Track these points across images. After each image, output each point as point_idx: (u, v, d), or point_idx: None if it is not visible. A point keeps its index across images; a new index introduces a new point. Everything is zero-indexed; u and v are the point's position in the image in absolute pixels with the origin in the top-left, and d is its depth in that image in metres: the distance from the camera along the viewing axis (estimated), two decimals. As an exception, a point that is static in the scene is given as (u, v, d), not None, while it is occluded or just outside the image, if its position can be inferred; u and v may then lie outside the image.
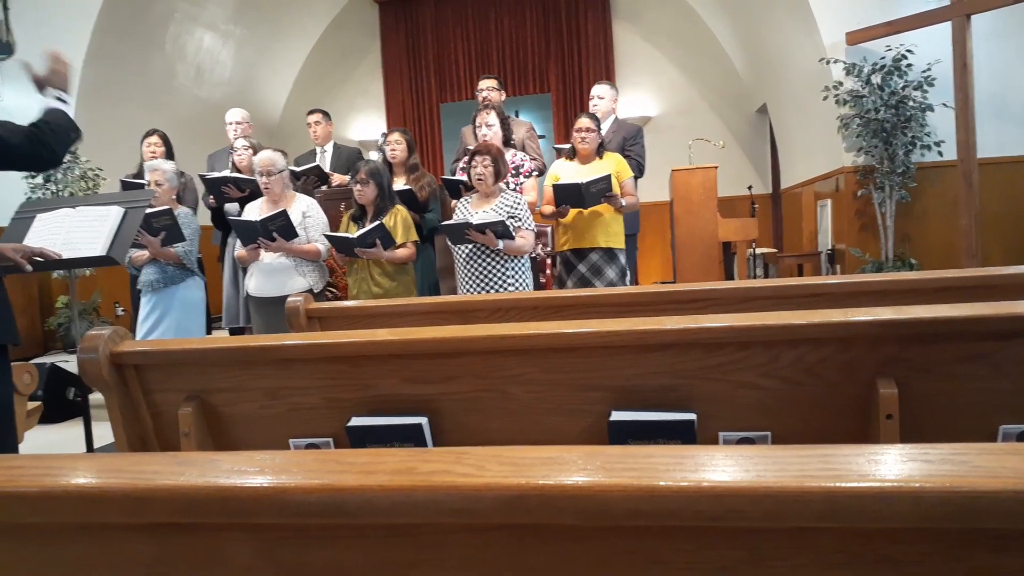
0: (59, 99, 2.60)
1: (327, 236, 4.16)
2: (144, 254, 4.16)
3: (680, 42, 9.91)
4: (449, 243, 4.14)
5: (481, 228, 3.86)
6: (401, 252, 4.16)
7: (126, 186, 5.01)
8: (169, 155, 5.08)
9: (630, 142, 5.14)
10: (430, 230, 4.69)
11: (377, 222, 4.05)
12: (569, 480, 0.78)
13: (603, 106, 5.17)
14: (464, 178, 4.59)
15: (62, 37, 6.76)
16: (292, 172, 4.96)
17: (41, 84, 2.62)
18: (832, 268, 7.08)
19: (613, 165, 4.45)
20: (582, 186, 4.20)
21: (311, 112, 5.79)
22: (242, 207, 4.56)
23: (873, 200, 6.50)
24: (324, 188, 5.24)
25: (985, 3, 5.77)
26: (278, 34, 9.95)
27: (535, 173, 4.93)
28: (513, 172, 4.65)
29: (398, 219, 4.16)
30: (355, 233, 4.04)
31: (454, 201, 4.60)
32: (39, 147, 2.44)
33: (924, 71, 6.19)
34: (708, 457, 0.80)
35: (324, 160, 5.61)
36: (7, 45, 2.55)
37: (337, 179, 5.39)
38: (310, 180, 5.12)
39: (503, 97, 5.54)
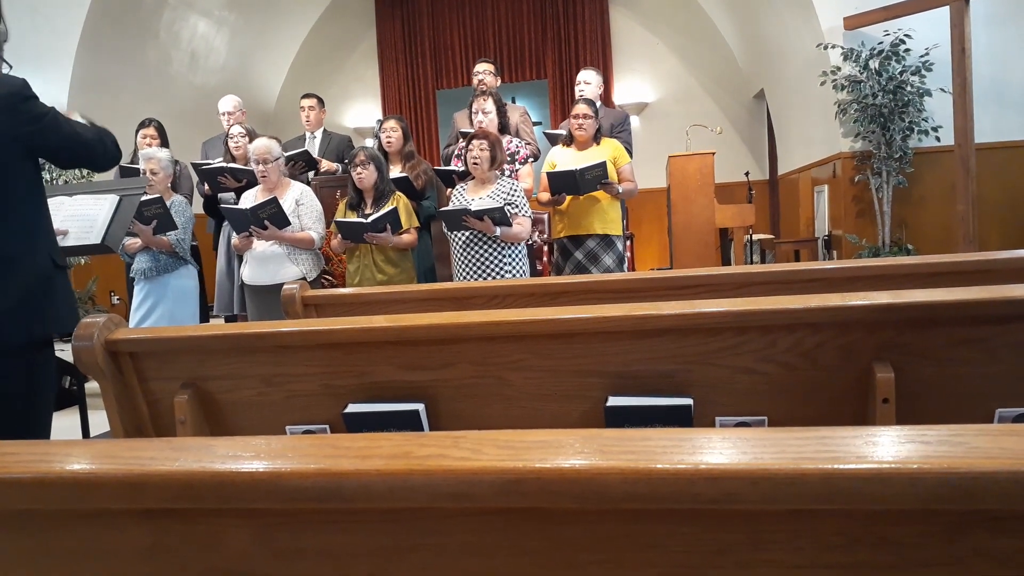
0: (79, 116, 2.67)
1: (337, 222, 4.15)
2: (137, 242, 4.15)
3: (677, 28, 9.87)
4: (445, 230, 4.13)
5: (479, 214, 3.86)
6: (406, 237, 4.16)
7: (124, 172, 4.99)
8: (164, 145, 5.05)
9: (617, 128, 5.12)
10: (426, 217, 4.68)
11: (390, 207, 4.06)
12: (566, 463, 0.78)
13: (590, 92, 5.15)
14: (457, 167, 4.58)
15: (55, 24, 6.73)
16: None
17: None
18: (829, 254, 7.08)
19: (610, 151, 4.44)
20: (576, 173, 4.19)
21: (305, 96, 5.75)
22: (238, 196, 4.55)
23: (870, 186, 6.49)
24: (312, 174, 5.22)
25: (983, -13, 5.76)
26: (273, 20, 9.90)
27: (531, 159, 4.92)
28: (509, 159, 4.64)
29: (400, 205, 4.16)
30: (370, 217, 4.04)
31: (449, 189, 4.59)
32: (108, 145, 2.52)
33: (922, 56, 6.17)
34: (705, 440, 0.80)
35: (313, 146, 5.58)
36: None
37: (325, 165, 5.37)
38: (298, 165, 5.10)
39: (499, 82, 5.52)
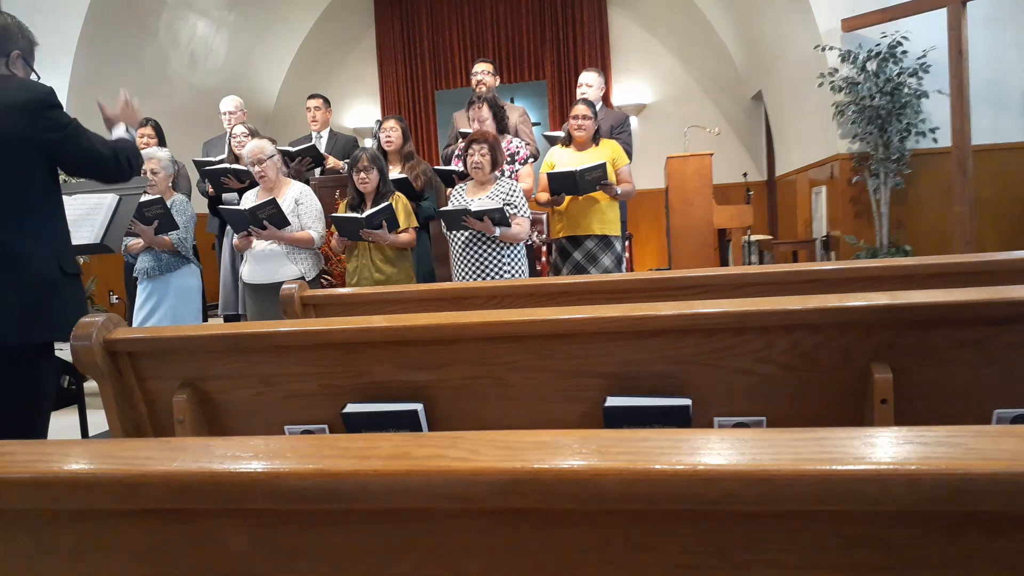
0: (128, 131, 2.77)
1: (333, 218, 4.15)
2: (139, 242, 4.16)
3: (676, 29, 9.88)
4: (444, 230, 4.13)
5: (479, 215, 3.86)
6: (403, 236, 4.16)
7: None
8: (162, 145, 5.05)
9: (617, 130, 5.12)
10: (425, 218, 4.68)
11: (386, 203, 4.05)
12: (564, 464, 0.78)
13: (591, 94, 5.15)
14: (457, 167, 4.58)
15: (54, 24, 6.71)
16: (288, 153, 4.95)
17: (111, 121, 2.79)
18: (827, 255, 7.09)
19: (609, 152, 4.44)
20: (576, 174, 4.19)
21: (311, 97, 5.75)
22: (241, 196, 4.55)
23: (868, 187, 6.50)
24: (318, 171, 5.21)
25: (981, -11, 5.76)
26: (272, 20, 9.89)
27: (530, 160, 4.92)
28: (509, 159, 4.64)
29: (399, 204, 4.15)
30: (364, 213, 4.03)
31: (449, 188, 4.59)
32: (122, 162, 2.57)
33: (919, 58, 6.18)
34: (703, 440, 0.80)
35: (320, 146, 5.58)
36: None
37: (332, 162, 5.37)
38: (304, 162, 5.10)
39: (497, 82, 5.53)
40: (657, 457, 0.77)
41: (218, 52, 9.23)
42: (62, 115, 2.38)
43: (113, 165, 2.53)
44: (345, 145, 5.66)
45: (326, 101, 5.76)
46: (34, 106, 2.30)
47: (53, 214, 2.42)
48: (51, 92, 2.36)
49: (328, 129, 5.77)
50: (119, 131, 2.73)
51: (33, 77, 2.52)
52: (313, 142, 5.59)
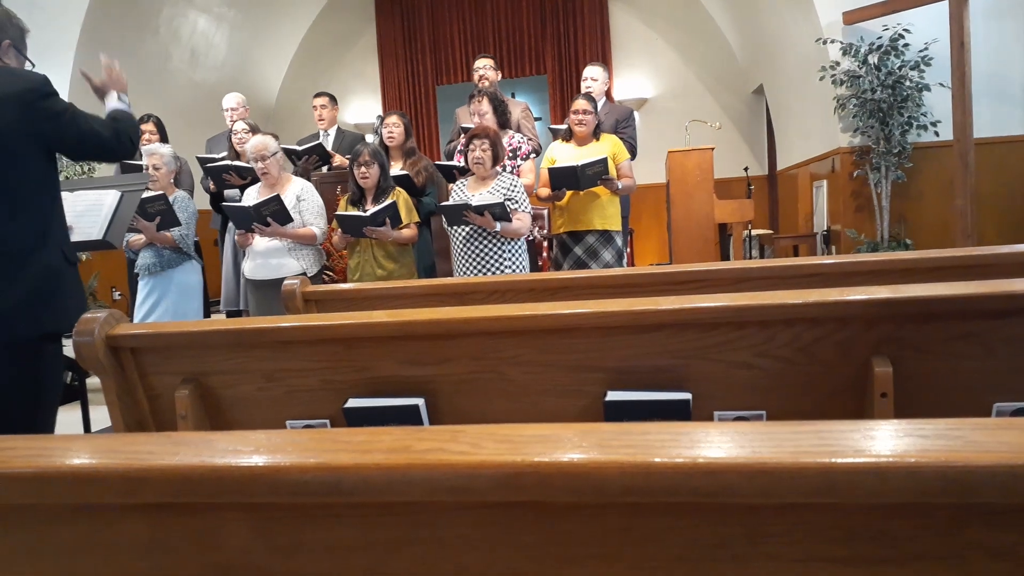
0: (121, 99, 2.72)
1: (338, 216, 4.16)
2: (141, 238, 4.17)
3: (676, 23, 9.86)
4: (446, 225, 4.14)
5: (480, 210, 3.86)
6: (406, 233, 4.17)
7: (125, 168, 4.99)
8: (163, 141, 5.06)
9: (622, 124, 5.13)
10: (427, 213, 4.68)
11: (389, 201, 4.06)
12: (565, 457, 0.78)
13: (596, 88, 5.15)
14: (459, 163, 4.58)
15: (55, 20, 6.71)
16: (295, 151, 4.94)
17: (101, 91, 2.73)
18: (827, 249, 7.08)
19: (610, 147, 4.44)
20: (577, 169, 4.19)
21: (318, 95, 5.74)
22: (243, 192, 4.56)
23: (869, 180, 6.49)
24: (325, 169, 5.21)
25: (983, -18, 5.74)
26: (273, 16, 9.88)
27: (532, 155, 4.92)
28: (511, 155, 4.64)
29: (401, 200, 4.16)
30: (369, 211, 4.04)
31: (451, 184, 4.59)
32: (123, 140, 2.55)
33: (921, 51, 6.16)
34: (704, 434, 0.80)
35: (327, 144, 5.58)
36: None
37: (339, 160, 5.37)
38: (311, 160, 5.10)
39: (499, 77, 5.52)
40: (657, 450, 0.77)
41: (219, 48, 9.22)
42: (58, 102, 2.36)
43: (116, 145, 2.51)
44: (352, 143, 5.64)
45: (333, 99, 5.76)
46: (29, 96, 2.29)
47: (52, 203, 2.41)
48: (45, 80, 2.34)
49: (335, 127, 5.77)
50: (112, 101, 2.67)
51: (28, 66, 2.51)
52: (320, 140, 5.59)
